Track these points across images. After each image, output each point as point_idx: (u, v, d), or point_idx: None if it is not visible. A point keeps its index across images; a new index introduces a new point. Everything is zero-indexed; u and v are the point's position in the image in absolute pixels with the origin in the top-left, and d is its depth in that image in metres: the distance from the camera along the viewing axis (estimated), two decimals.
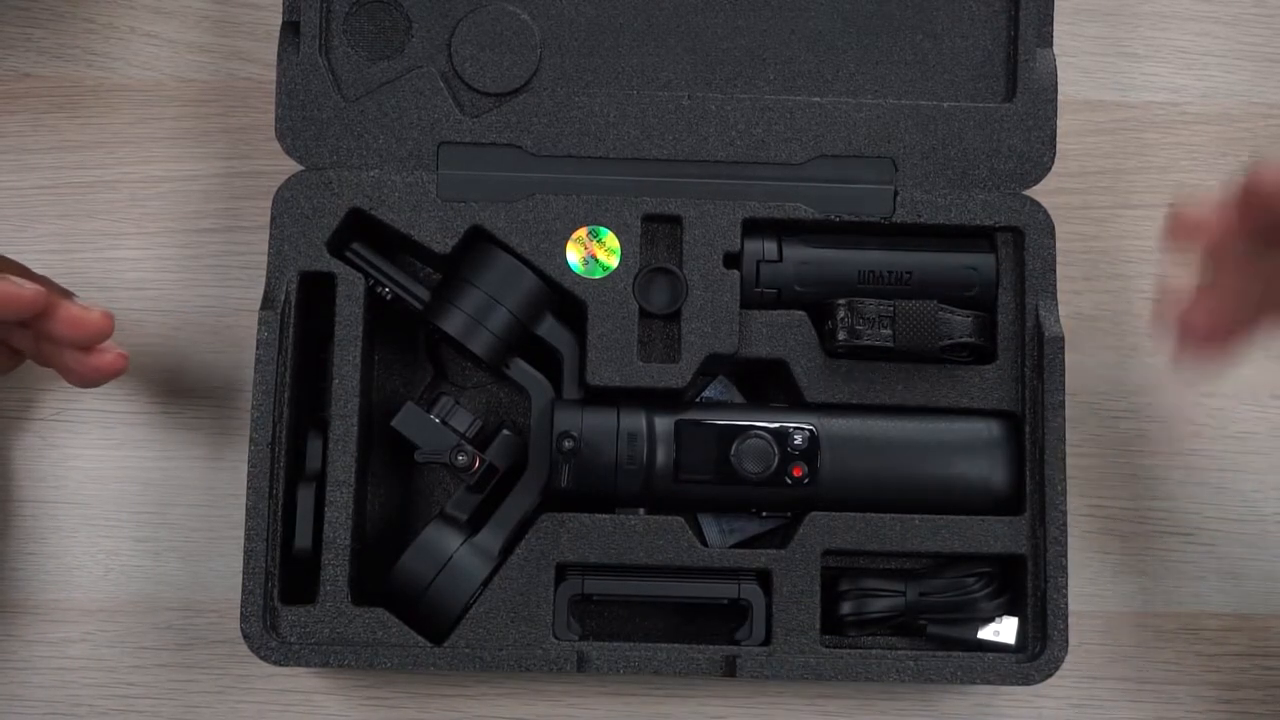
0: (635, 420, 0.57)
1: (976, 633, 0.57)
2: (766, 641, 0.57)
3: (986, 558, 0.57)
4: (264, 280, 0.57)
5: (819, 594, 0.57)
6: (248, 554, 0.55)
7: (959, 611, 0.57)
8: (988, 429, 0.58)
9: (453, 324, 0.57)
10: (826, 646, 0.57)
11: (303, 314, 0.57)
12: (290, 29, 0.59)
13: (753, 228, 0.59)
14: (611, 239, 0.58)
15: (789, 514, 0.58)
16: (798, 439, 0.57)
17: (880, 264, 0.59)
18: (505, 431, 0.58)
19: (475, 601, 0.56)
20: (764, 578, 0.57)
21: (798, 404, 0.58)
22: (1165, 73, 0.66)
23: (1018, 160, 0.59)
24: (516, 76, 0.59)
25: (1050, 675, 0.56)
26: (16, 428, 0.62)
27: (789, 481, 0.57)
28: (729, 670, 0.56)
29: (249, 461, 0.55)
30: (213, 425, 0.62)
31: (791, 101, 0.59)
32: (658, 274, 0.58)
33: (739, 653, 0.56)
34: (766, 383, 0.60)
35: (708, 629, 0.59)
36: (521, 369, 0.59)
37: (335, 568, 0.56)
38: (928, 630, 0.58)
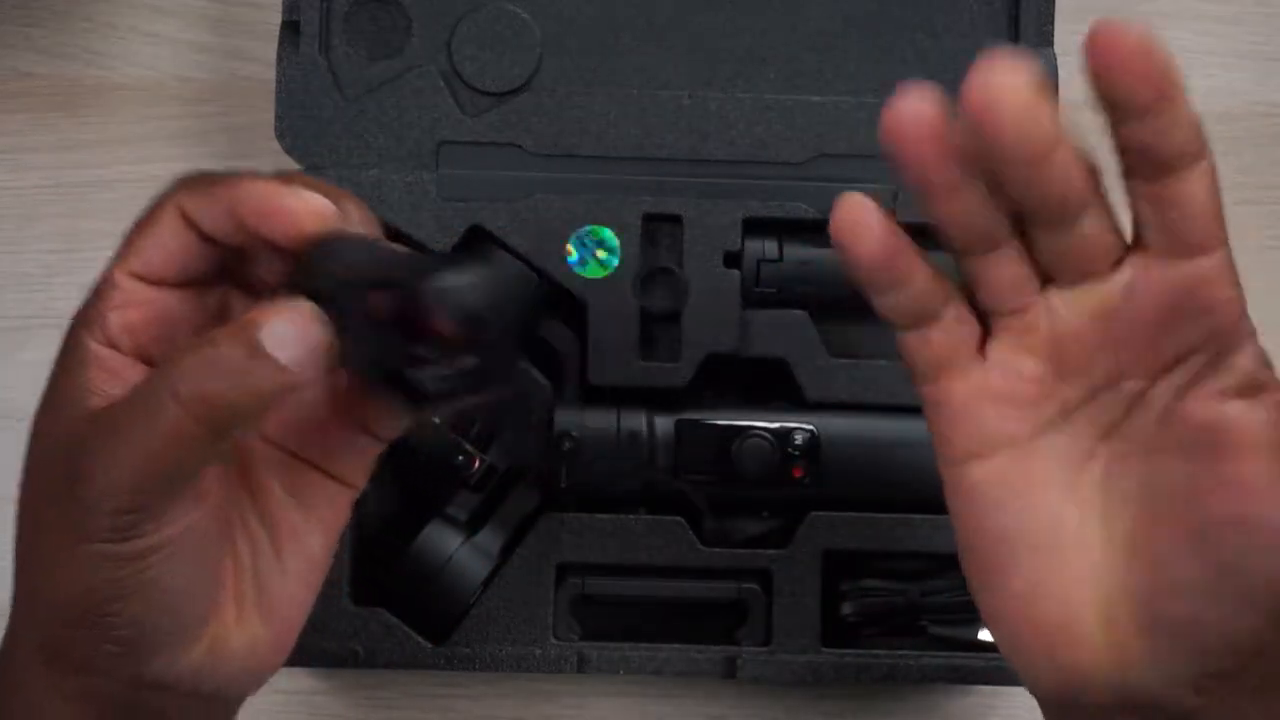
0: (635, 420, 0.57)
1: (977, 633, 0.57)
2: (766, 642, 0.57)
3: None
4: None
5: (819, 594, 0.57)
6: None
7: (960, 612, 0.57)
8: None
9: None
10: (827, 646, 0.57)
11: None
12: (290, 28, 0.59)
13: (753, 227, 0.59)
14: (611, 238, 0.58)
15: (789, 514, 0.58)
16: (798, 439, 0.57)
17: None
18: (506, 431, 0.58)
19: (475, 601, 0.56)
20: (764, 578, 0.57)
21: (798, 404, 0.58)
22: None
23: None
24: (516, 76, 0.59)
25: None
26: (16, 428, 0.62)
27: (789, 481, 0.57)
28: (729, 670, 0.56)
29: None
30: None
31: (792, 101, 0.59)
32: (658, 273, 0.58)
33: (739, 653, 0.56)
34: (766, 382, 0.60)
35: (708, 629, 0.59)
36: (522, 368, 0.59)
37: (335, 568, 0.56)
38: (929, 630, 0.58)
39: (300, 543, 0.42)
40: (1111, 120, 0.34)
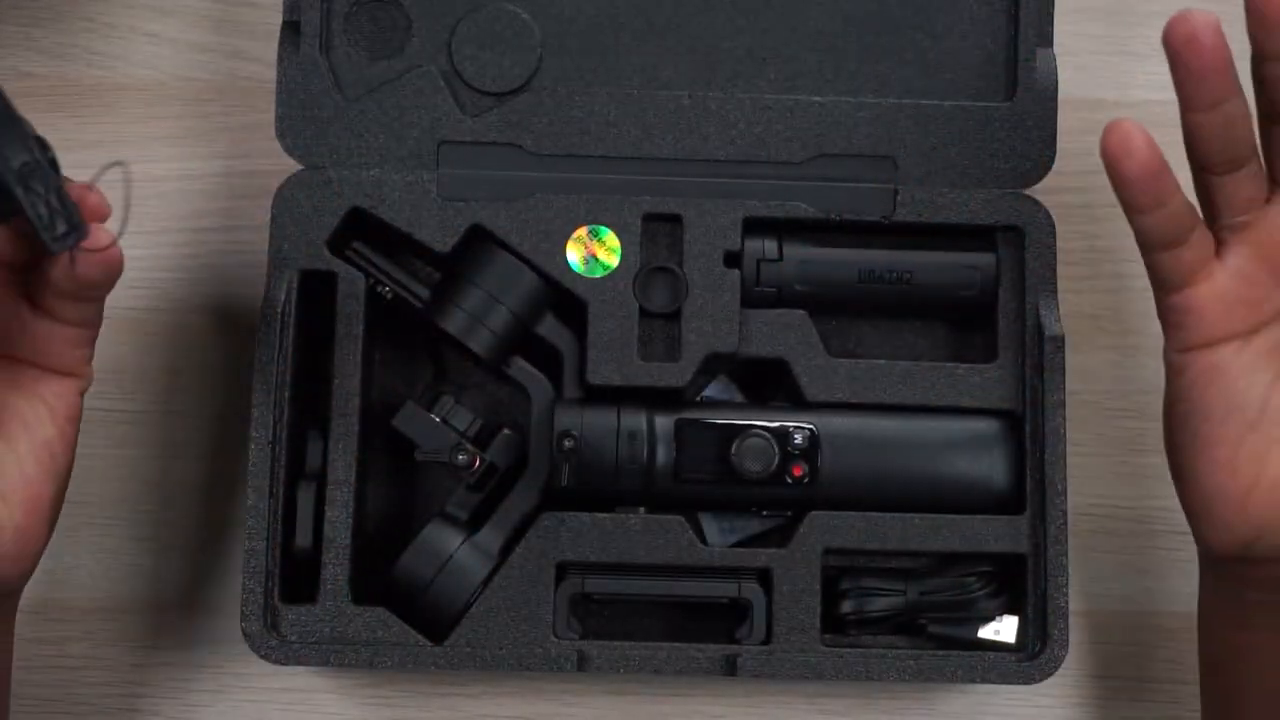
0: (636, 419, 0.57)
1: (976, 632, 0.57)
2: (767, 641, 0.57)
3: (986, 557, 0.57)
4: (264, 280, 0.57)
5: (819, 593, 0.57)
6: (248, 553, 0.55)
7: (959, 611, 0.57)
8: (988, 428, 0.58)
9: (453, 323, 0.57)
10: (827, 646, 0.57)
11: (303, 314, 0.57)
12: (290, 28, 0.59)
13: (753, 227, 0.59)
14: (612, 238, 0.58)
15: (789, 513, 0.58)
16: (798, 438, 0.57)
17: (881, 263, 0.59)
18: (505, 431, 0.58)
19: (475, 601, 0.56)
20: (764, 577, 0.57)
21: (798, 404, 0.58)
22: (1166, 71, 0.66)
23: (1018, 159, 0.59)
24: (517, 76, 0.59)
25: (1050, 674, 0.56)
26: None
27: (789, 481, 0.57)
28: (729, 670, 0.56)
29: (249, 461, 0.55)
30: (213, 425, 0.62)
31: (792, 101, 0.59)
32: (658, 273, 0.58)
33: (739, 652, 0.56)
34: (766, 382, 0.60)
35: (708, 628, 0.59)
36: (522, 368, 0.59)
37: (335, 567, 0.56)
38: (928, 629, 0.58)
39: (31, 430, 0.47)
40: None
